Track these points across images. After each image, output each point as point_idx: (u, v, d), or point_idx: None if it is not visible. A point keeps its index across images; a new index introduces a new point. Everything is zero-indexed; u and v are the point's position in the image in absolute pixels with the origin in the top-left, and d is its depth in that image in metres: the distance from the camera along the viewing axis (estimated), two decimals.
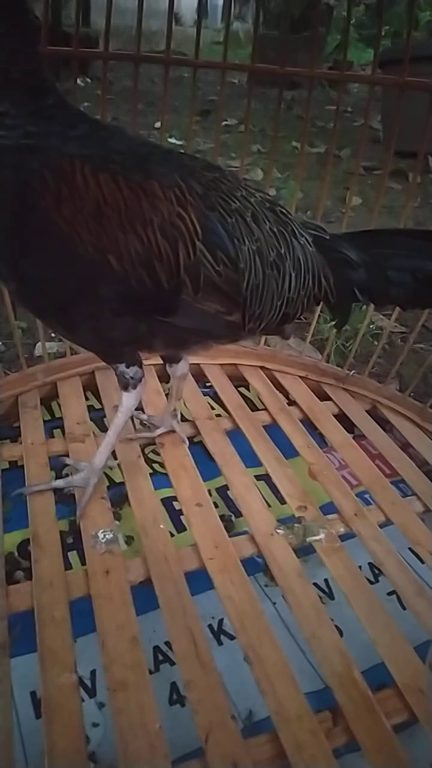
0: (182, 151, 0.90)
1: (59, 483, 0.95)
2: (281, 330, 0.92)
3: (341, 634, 0.80)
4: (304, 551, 0.91)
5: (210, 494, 1.00)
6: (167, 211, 0.72)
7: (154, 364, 1.27)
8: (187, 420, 1.15)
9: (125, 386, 0.89)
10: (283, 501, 1.01)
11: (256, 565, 0.90)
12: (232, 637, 0.82)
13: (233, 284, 0.78)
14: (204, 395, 1.24)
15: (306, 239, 0.84)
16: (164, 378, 1.25)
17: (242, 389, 1.30)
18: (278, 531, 0.92)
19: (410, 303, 0.92)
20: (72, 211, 0.69)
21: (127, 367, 0.87)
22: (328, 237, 0.87)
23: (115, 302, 0.75)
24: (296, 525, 0.94)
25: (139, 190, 0.71)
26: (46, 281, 0.74)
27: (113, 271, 0.72)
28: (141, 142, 0.79)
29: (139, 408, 1.16)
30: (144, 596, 0.80)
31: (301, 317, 0.91)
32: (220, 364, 1.30)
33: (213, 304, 0.78)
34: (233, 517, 1.02)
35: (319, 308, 1.31)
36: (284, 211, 0.84)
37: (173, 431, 1.10)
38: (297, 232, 0.83)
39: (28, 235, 0.71)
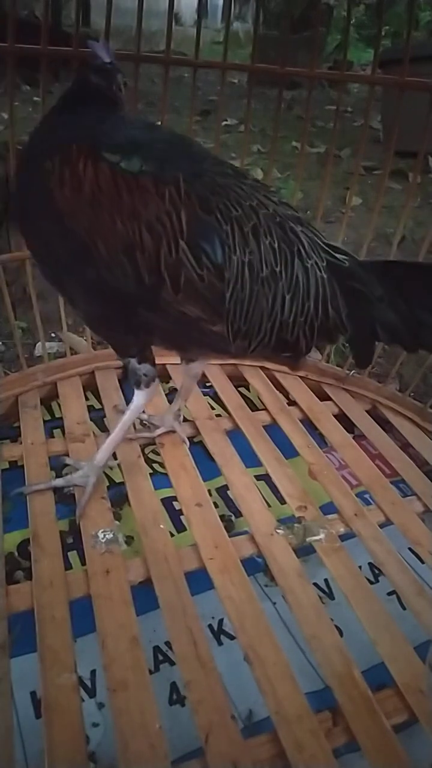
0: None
1: (59, 482, 0.95)
2: (288, 360, 0.86)
3: (341, 634, 0.80)
4: (304, 551, 0.91)
5: (210, 494, 1.00)
6: (156, 207, 0.73)
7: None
8: (187, 420, 1.15)
9: (137, 383, 0.89)
10: (283, 501, 1.01)
11: (256, 565, 0.90)
12: (232, 637, 0.81)
13: (216, 292, 0.76)
14: (204, 395, 1.24)
15: (316, 263, 0.79)
16: (164, 378, 1.25)
17: (242, 389, 1.30)
18: (278, 531, 0.92)
19: None
20: (71, 193, 0.74)
21: (139, 363, 0.87)
22: (346, 264, 0.81)
23: (100, 286, 0.78)
24: (296, 525, 0.94)
25: (133, 184, 0.73)
26: (47, 253, 0.82)
27: (99, 255, 0.75)
28: (181, 145, 0.82)
29: None
30: (144, 596, 0.80)
31: (312, 347, 0.84)
32: (220, 364, 1.30)
33: (194, 308, 0.77)
34: (233, 517, 1.02)
35: None
36: (299, 229, 0.79)
37: (173, 431, 1.10)
38: (305, 253, 0.78)
39: (40, 209, 0.78)
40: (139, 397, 0.90)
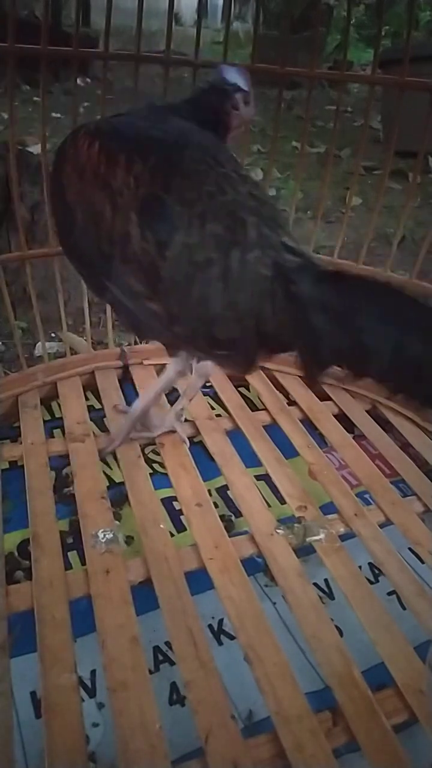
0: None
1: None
2: (231, 361, 0.81)
3: (341, 634, 0.80)
4: (304, 551, 0.91)
5: (210, 494, 1.00)
6: (122, 179, 0.77)
7: (153, 364, 1.27)
8: (187, 420, 1.15)
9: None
10: (283, 501, 1.01)
11: (256, 565, 0.90)
12: (232, 637, 0.81)
13: (155, 268, 0.76)
14: (204, 395, 1.24)
15: (259, 258, 0.72)
16: None
17: (242, 389, 1.30)
18: (278, 531, 0.92)
19: (398, 388, 0.70)
20: (71, 168, 0.83)
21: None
22: (294, 265, 0.72)
23: (78, 253, 0.86)
24: (296, 525, 0.94)
25: (112, 158, 0.79)
26: (57, 221, 0.94)
27: (76, 222, 0.83)
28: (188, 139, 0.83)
29: None
30: (144, 596, 0.80)
31: (253, 349, 0.77)
32: None
33: (136, 282, 0.79)
34: (233, 517, 1.02)
35: None
36: (251, 221, 0.74)
37: (173, 431, 1.10)
38: (247, 245, 0.73)
39: (57, 184, 0.88)
40: (173, 363, 0.96)
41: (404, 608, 0.85)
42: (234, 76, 0.91)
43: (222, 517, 0.97)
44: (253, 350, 0.78)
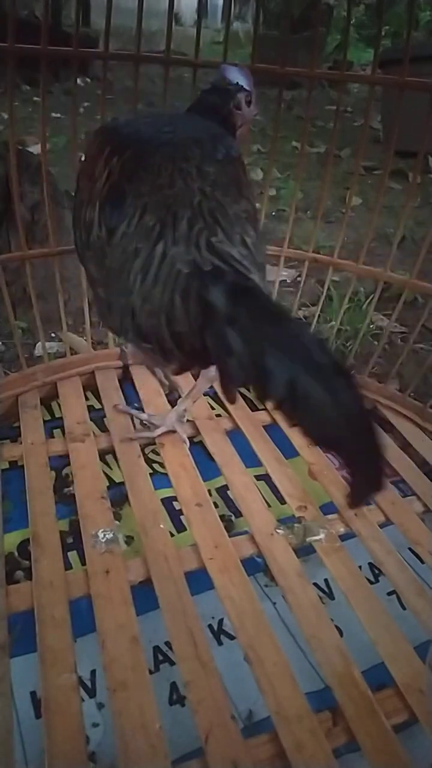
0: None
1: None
2: (161, 359, 0.77)
3: (341, 634, 0.80)
4: (304, 551, 0.91)
5: (210, 494, 1.00)
6: (100, 170, 0.80)
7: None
8: (187, 420, 1.15)
9: None
10: (283, 501, 1.01)
11: (256, 565, 0.90)
12: (232, 637, 0.81)
13: (103, 255, 0.78)
14: (204, 395, 1.24)
15: (181, 255, 0.70)
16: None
17: (242, 389, 1.29)
18: (278, 531, 0.92)
19: (292, 420, 0.62)
20: (81, 164, 0.88)
21: None
22: (210, 268, 0.68)
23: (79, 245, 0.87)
24: (296, 525, 0.94)
25: (100, 150, 0.81)
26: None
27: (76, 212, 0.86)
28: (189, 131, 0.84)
29: (139, 408, 1.16)
30: (144, 596, 0.80)
31: (172, 350, 0.73)
32: None
33: (90, 267, 0.83)
34: (233, 517, 1.02)
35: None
36: (186, 215, 0.72)
37: (173, 431, 1.10)
38: (171, 240, 0.71)
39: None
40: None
41: (404, 608, 0.85)
42: (236, 76, 0.91)
43: (222, 517, 0.97)
44: (169, 349, 0.73)
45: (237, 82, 0.91)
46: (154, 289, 0.71)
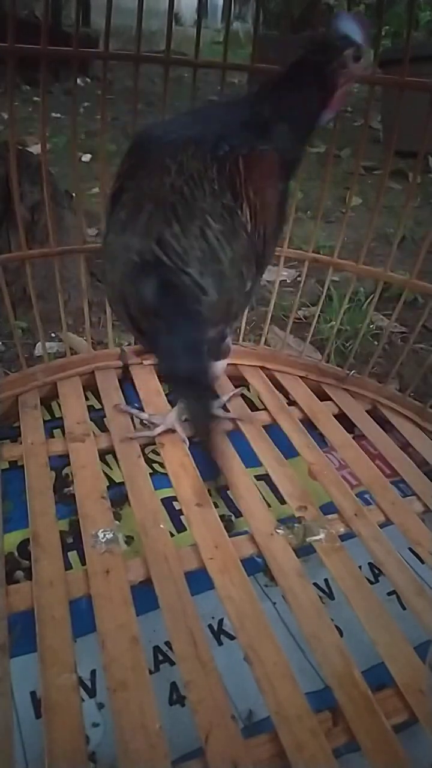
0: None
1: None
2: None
3: (341, 634, 0.80)
4: (304, 551, 0.91)
5: (210, 494, 1.00)
6: (119, 170, 0.86)
7: (154, 365, 1.27)
8: (187, 420, 1.15)
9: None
10: (283, 501, 1.01)
11: (256, 565, 0.90)
12: (232, 637, 0.82)
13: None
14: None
15: (135, 243, 0.76)
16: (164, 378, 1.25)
17: (242, 389, 1.30)
18: (278, 531, 0.92)
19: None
20: None
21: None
22: (151, 259, 0.76)
23: None
24: (296, 525, 0.94)
25: (127, 151, 0.86)
26: None
27: None
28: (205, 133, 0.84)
29: (139, 408, 1.16)
30: (144, 596, 0.80)
31: (137, 332, 0.83)
32: None
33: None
34: (233, 517, 1.02)
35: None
36: (149, 209, 0.77)
37: (173, 430, 1.10)
38: (134, 231, 0.77)
39: None
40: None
41: (404, 608, 0.85)
42: (349, 27, 0.82)
43: (222, 517, 0.97)
44: (131, 330, 0.86)
45: (347, 35, 0.82)
46: (115, 276, 0.80)
